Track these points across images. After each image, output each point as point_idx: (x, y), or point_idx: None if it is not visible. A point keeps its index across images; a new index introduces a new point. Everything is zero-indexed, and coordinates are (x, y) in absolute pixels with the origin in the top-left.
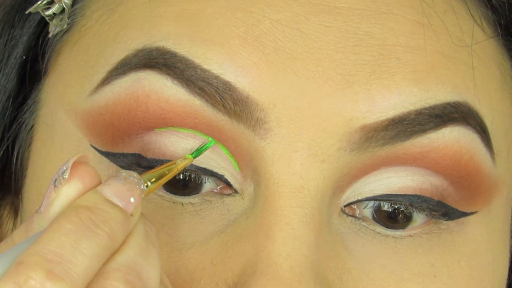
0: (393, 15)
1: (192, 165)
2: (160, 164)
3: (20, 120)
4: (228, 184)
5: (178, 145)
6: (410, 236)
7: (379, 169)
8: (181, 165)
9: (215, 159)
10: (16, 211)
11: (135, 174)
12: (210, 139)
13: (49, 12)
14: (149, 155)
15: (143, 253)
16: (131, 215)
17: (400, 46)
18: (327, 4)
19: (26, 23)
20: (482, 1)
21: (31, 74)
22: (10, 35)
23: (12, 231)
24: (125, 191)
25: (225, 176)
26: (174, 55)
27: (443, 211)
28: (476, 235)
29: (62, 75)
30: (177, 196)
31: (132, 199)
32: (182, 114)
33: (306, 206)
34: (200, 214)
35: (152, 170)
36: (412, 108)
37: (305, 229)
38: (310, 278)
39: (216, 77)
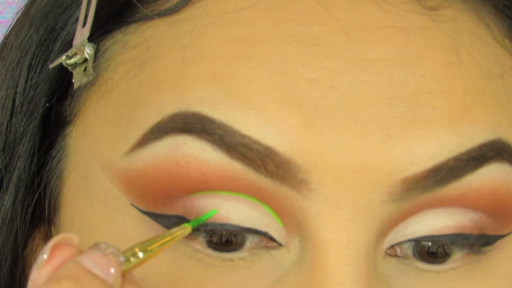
0: (423, 60)
1: (236, 226)
2: (205, 227)
3: (49, 167)
4: (272, 239)
5: (221, 207)
6: (453, 269)
7: (420, 212)
8: (177, 234)
9: (258, 217)
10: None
11: (113, 246)
12: (215, 210)
13: (71, 61)
14: (192, 217)
15: None
16: (111, 287)
17: (434, 92)
18: (360, 57)
19: (43, 69)
20: (501, 14)
21: (56, 119)
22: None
23: None
24: (105, 261)
25: (269, 233)
26: (211, 121)
27: (482, 241)
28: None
29: (91, 127)
30: (223, 252)
31: (112, 270)
32: (223, 179)
33: (354, 263)
34: (253, 267)
35: (144, 240)
36: (450, 155)
37: (356, 286)
38: None
39: (257, 142)
